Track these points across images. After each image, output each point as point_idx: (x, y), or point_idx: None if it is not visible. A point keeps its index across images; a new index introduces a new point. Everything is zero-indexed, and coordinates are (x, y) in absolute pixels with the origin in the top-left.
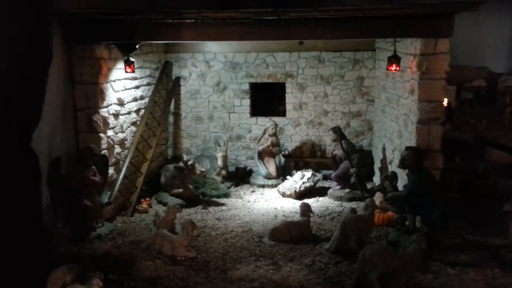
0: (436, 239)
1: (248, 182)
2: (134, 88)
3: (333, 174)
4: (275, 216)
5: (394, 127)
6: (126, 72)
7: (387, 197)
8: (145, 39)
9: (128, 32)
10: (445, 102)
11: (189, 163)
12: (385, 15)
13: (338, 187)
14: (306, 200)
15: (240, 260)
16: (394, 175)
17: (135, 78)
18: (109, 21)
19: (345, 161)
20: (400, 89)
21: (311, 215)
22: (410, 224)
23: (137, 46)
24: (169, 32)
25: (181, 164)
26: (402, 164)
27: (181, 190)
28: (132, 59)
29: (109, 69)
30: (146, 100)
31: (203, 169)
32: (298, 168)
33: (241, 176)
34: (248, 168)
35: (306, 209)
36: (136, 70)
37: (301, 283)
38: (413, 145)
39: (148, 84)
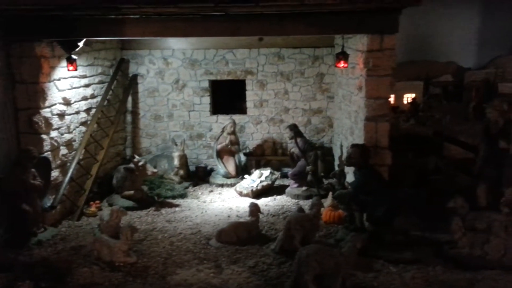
0: (381, 236)
1: (208, 182)
2: (83, 86)
3: (289, 172)
4: (229, 216)
5: (348, 124)
6: (68, 70)
7: (334, 195)
8: (86, 35)
9: (69, 29)
10: (410, 97)
11: (140, 163)
12: (331, 11)
13: (296, 185)
14: (263, 199)
15: (183, 264)
16: (341, 173)
17: (84, 76)
18: (48, 17)
19: (302, 159)
20: (352, 86)
21: (260, 215)
22: (357, 222)
23: (80, 44)
24: (111, 28)
25: (131, 165)
26: (348, 162)
27: (132, 191)
28: (74, 57)
29: (52, 68)
30: (99, 99)
31: (155, 170)
32: (260, 167)
33: (201, 176)
34: (209, 167)
35: (254, 209)
36: (86, 68)
37: (240, 286)
38: (361, 142)
39: (101, 82)
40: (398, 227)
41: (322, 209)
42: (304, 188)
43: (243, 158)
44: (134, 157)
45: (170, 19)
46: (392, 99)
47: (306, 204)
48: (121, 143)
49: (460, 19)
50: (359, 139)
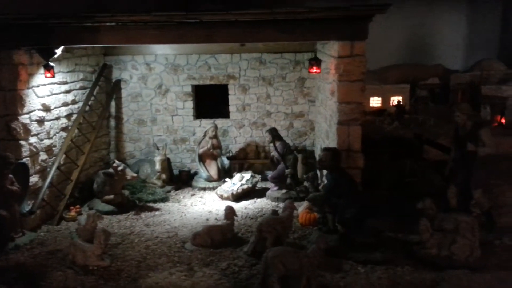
0: (351, 238)
1: (191, 186)
2: (63, 92)
3: (269, 176)
4: (207, 220)
5: (325, 128)
6: (46, 77)
7: (308, 198)
8: (63, 43)
9: (46, 37)
10: (396, 100)
11: (119, 168)
12: (304, 18)
13: (276, 188)
14: (243, 202)
15: (156, 267)
16: (314, 176)
17: (65, 83)
18: (25, 26)
19: (282, 162)
20: (327, 91)
21: (235, 218)
22: (330, 224)
23: (58, 51)
24: (87, 36)
25: (110, 170)
26: (320, 165)
27: (112, 196)
28: (52, 64)
29: (31, 75)
30: (81, 104)
31: (135, 174)
32: (243, 170)
33: (184, 180)
34: (192, 171)
35: (229, 212)
36: (66, 74)
37: None
38: (335, 145)
39: (83, 88)
40: (368, 229)
41: (299, 211)
42: (284, 191)
43: (226, 161)
44: (114, 162)
45: (145, 27)
46: (379, 102)
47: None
48: (105, 147)
49: (448, 22)
50: (334, 143)
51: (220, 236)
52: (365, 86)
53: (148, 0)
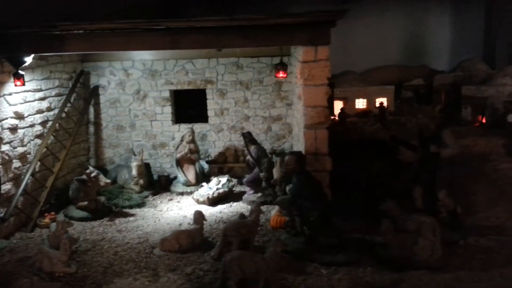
0: (316, 240)
1: (169, 190)
2: (38, 100)
3: (244, 179)
4: (180, 224)
5: (297, 131)
6: (15, 85)
7: (276, 201)
8: (30, 52)
9: (13, 46)
10: (379, 102)
11: (92, 175)
12: (267, 24)
13: (252, 191)
14: (219, 206)
15: (122, 273)
16: (282, 179)
17: (39, 90)
18: None
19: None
20: (297, 95)
21: (205, 222)
22: (298, 226)
23: (27, 59)
24: (54, 44)
25: (83, 176)
26: (286, 168)
27: (86, 202)
28: (21, 73)
29: (2, 83)
30: (57, 111)
31: (108, 181)
32: (223, 174)
33: (163, 185)
34: (172, 176)
35: (198, 217)
36: (41, 82)
37: None
38: (303, 148)
39: (59, 95)
40: (334, 230)
41: (272, 214)
42: (259, 194)
43: (206, 166)
44: (88, 168)
45: (112, 34)
46: (364, 103)
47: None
48: (84, 154)
49: (434, 23)
50: (302, 146)
51: (188, 241)
52: (329, 90)
53: (139, 6)
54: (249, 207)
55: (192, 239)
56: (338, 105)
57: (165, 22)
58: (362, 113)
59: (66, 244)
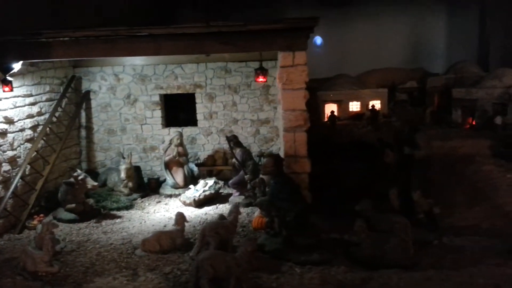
0: (293, 240)
1: (159, 193)
2: (28, 105)
3: (230, 182)
4: (165, 226)
5: (281, 134)
6: (4, 91)
7: (255, 202)
8: (17, 59)
9: (0, 53)
10: (370, 105)
11: (80, 177)
12: (246, 30)
13: (237, 193)
14: (206, 208)
15: (103, 272)
16: (261, 181)
17: (29, 95)
18: None
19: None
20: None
21: (186, 224)
22: (276, 227)
23: (15, 66)
24: (40, 51)
25: (71, 179)
26: (264, 171)
27: (74, 205)
28: (9, 79)
29: None
30: (47, 116)
31: (95, 183)
32: (212, 176)
33: (153, 187)
34: (162, 179)
35: (179, 218)
36: (31, 87)
37: None
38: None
39: (50, 100)
40: (312, 231)
41: (255, 215)
42: (245, 196)
43: (195, 168)
44: (76, 171)
45: (96, 41)
46: (358, 106)
47: (245, 211)
48: (75, 157)
49: (430, 26)
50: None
51: (169, 241)
52: (308, 94)
53: (137, 11)
54: None
55: (173, 240)
56: (332, 108)
57: (147, 29)
58: (356, 115)
59: (49, 244)
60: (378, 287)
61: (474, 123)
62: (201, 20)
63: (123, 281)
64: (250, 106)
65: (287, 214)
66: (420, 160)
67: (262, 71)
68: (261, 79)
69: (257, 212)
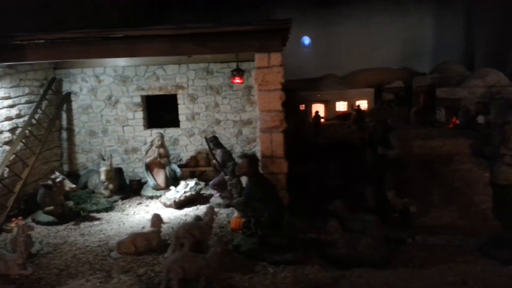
0: (267, 240)
1: (140, 195)
2: (6, 107)
3: (210, 183)
4: (143, 228)
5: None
6: None
7: (231, 203)
8: None
9: None
10: (356, 105)
11: (57, 180)
12: (221, 32)
13: (218, 194)
14: (186, 209)
15: (77, 275)
16: (238, 182)
17: (8, 98)
18: None
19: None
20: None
21: (162, 225)
22: (252, 227)
23: None
24: (15, 54)
25: (49, 181)
26: (238, 171)
27: (52, 207)
28: None
29: None
30: (26, 118)
31: (73, 185)
32: (195, 177)
33: (135, 189)
34: (143, 180)
35: (156, 220)
36: (10, 90)
37: None
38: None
39: (29, 102)
40: (287, 231)
41: (234, 216)
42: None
43: (178, 170)
44: (54, 173)
45: (71, 43)
46: (345, 106)
47: (225, 212)
48: (56, 159)
49: (417, 27)
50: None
51: (144, 243)
52: (284, 95)
53: (120, 14)
54: (215, 209)
55: (148, 241)
56: (319, 108)
57: (120, 31)
58: (343, 115)
59: (22, 247)
60: (349, 285)
61: (458, 122)
62: (179, 22)
63: (96, 283)
64: (232, 107)
65: (262, 214)
66: (394, 160)
67: (238, 72)
68: (237, 80)
69: (236, 213)
